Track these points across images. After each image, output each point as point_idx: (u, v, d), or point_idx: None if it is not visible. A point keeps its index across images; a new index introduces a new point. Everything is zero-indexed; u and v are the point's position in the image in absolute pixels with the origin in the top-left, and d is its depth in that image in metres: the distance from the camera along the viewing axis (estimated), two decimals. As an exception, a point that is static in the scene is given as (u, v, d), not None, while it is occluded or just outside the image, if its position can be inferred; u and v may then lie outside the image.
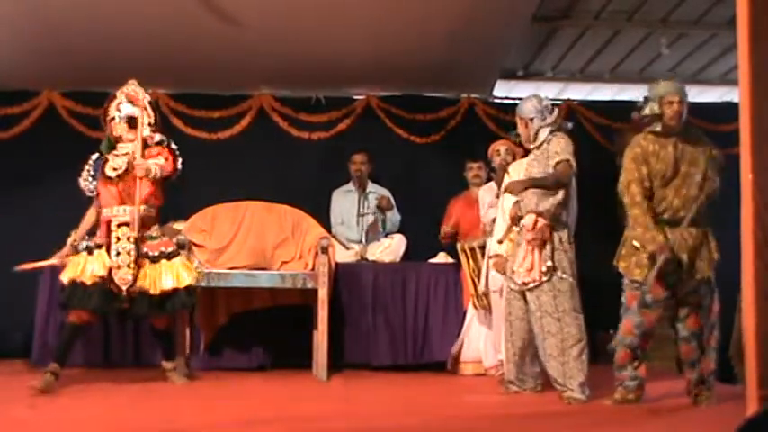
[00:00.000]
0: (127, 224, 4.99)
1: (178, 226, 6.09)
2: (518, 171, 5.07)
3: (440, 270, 6.16)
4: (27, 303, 6.16)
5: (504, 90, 7.90)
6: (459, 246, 5.98)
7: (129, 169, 5.03)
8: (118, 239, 4.98)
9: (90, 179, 5.17)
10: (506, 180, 5.17)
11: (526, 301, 4.75)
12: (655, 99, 4.48)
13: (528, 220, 4.67)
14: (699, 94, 8.14)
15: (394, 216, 6.94)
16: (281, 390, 5.26)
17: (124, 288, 4.92)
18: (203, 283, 5.61)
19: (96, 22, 6.08)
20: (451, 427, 4.06)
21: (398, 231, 6.85)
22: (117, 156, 5.13)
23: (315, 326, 5.70)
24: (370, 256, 6.54)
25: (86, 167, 5.20)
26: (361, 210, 6.74)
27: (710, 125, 7.52)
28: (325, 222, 6.52)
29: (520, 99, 7.65)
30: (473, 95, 7.77)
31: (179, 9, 5.94)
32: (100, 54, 6.51)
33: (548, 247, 4.65)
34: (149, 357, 5.98)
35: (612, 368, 4.59)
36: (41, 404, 4.46)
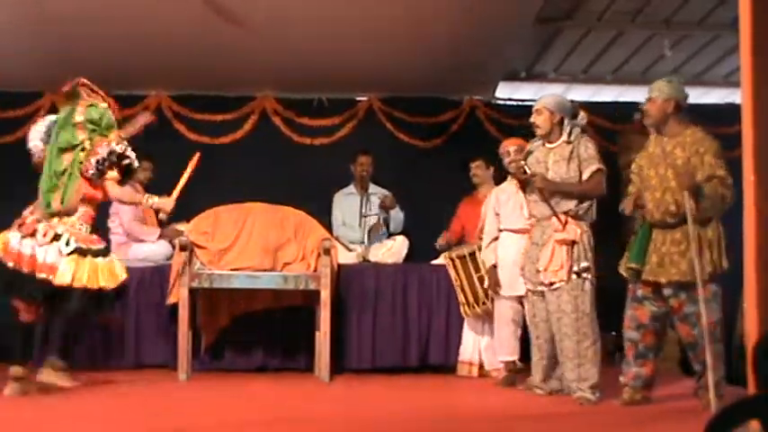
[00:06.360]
0: None
1: (181, 227, 6.10)
2: (538, 166, 4.82)
3: (442, 272, 6.15)
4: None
5: (506, 92, 7.90)
6: (445, 254, 5.98)
7: None
8: None
9: None
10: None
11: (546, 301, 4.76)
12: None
13: (557, 221, 4.64)
14: (702, 96, 8.13)
15: (397, 215, 6.94)
16: (283, 391, 5.26)
17: None
18: (206, 285, 5.60)
19: (99, 24, 6.09)
20: (457, 429, 4.05)
21: (400, 233, 6.85)
22: None
23: (317, 327, 5.71)
24: (373, 258, 6.53)
25: None
26: (363, 211, 6.72)
27: (713, 127, 7.52)
28: (327, 224, 6.52)
29: (522, 101, 7.80)
30: (476, 97, 7.77)
31: (181, 11, 5.95)
32: (102, 56, 6.51)
33: (578, 247, 4.63)
34: (149, 358, 6.01)
35: (618, 370, 4.62)
36: (42, 404, 4.46)
